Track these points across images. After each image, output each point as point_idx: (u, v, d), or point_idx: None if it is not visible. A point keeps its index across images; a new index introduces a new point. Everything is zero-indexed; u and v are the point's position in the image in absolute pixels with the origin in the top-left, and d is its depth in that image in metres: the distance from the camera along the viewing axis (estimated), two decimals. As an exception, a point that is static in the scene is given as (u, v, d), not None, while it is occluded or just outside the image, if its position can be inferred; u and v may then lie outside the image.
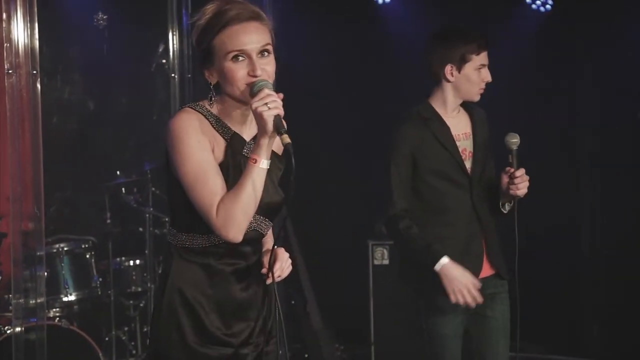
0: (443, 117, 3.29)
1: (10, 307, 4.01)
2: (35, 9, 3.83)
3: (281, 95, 2.23)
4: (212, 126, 2.30)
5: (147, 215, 5.12)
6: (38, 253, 3.85)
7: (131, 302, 5.09)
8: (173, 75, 5.46)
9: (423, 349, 3.28)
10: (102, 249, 4.94)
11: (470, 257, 3.23)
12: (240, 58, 2.24)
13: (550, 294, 5.56)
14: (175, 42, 5.48)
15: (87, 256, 4.78)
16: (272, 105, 2.17)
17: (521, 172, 3.15)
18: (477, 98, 3.29)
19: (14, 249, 3.80)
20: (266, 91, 2.19)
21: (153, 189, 5.12)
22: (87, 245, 4.79)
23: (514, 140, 3.14)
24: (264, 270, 2.35)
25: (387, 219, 3.22)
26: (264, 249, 2.43)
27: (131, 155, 5.56)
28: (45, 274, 4.01)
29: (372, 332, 5.17)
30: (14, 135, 3.74)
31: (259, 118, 2.18)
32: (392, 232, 3.24)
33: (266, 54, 2.27)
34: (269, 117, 2.16)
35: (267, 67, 2.26)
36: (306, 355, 5.17)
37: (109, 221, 5.02)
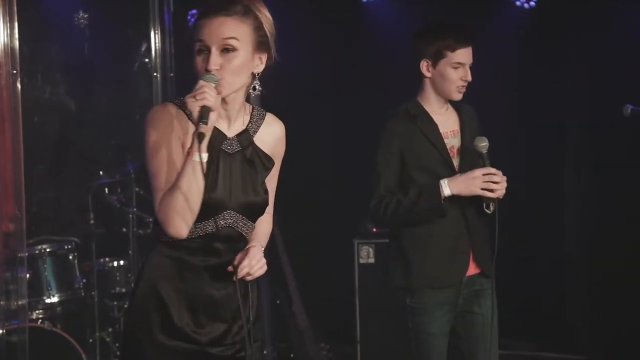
0: (431, 114, 3.29)
1: (-8, 309, 3.99)
2: (15, 8, 3.80)
3: (220, 90, 2.23)
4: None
5: (131, 215, 5.09)
6: (19, 254, 3.82)
7: (115, 303, 5.04)
8: (155, 74, 5.45)
9: (409, 348, 3.28)
10: (85, 250, 4.91)
11: (456, 255, 3.24)
12: (204, 51, 2.26)
13: (538, 291, 5.59)
14: (157, 40, 5.47)
15: (70, 257, 4.75)
16: (199, 96, 2.17)
17: (498, 174, 3.14)
18: (455, 96, 3.29)
19: (-5, 250, 3.78)
20: (200, 82, 2.20)
21: (137, 189, 5.09)
22: (69, 246, 4.76)
23: (483, 144, 3.16)
24: (230, 268, 2.33)
25: (370, 209, 3.22)
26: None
27: (114, 155, 5.53)
28: (28, 275, 3.98)
29: (358, 331, 5.17)
30: (-5, 135, 3.72)
31: (190, 110, 2.19)
32: (380, 216, 3.22)
33: (230, 49, 2.26)
34: (194, 107, 2.17)
35: (227, 63, 2.25)
36: (292, 355, 5.17)
37: (92, 222, 4.95)
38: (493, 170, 3.15)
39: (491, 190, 3.13)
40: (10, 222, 3.79)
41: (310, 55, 5.61)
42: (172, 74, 5.51)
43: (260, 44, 2.32)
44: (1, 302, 3.80)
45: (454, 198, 3.19)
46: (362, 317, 5.15)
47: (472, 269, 3.28)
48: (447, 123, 3.32)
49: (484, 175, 3.13)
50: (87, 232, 4.95)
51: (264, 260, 2.36)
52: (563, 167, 5.71)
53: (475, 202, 3.26)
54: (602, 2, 5.35)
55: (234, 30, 2.25)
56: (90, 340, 4.95)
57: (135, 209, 5.10)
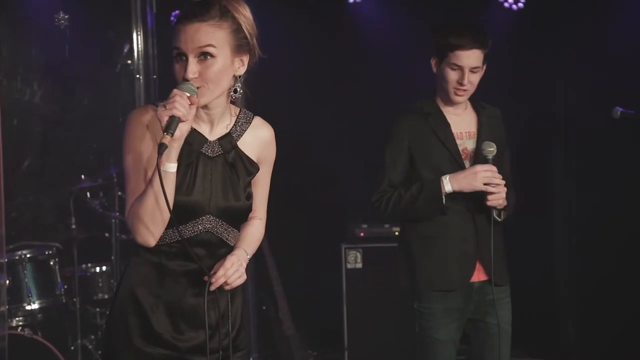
0: (445, 113, 3.26)
1: (-29, 317, 3.97)
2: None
3: (194, 100, 2.20)
4: None
5: (114, 220, 5.07)
6: (-1, 260, 3.81)
7: (97, 309, 5.03)
8: (138, 76, 5.44)
9: (414, 354, 3.25)
10: (66, 256, 4.89)
11: (461, 259, 3.21)
12: (182, 58, 2.24)
13: (528, 296, 5.59)
14: (140, 42, 5.46)
15: (51, 263, 4.72)
16: (169, 106, 2.16)
17: (499, 177, 3.12)
18: (453, 99, 3.25)
19: (-26, 256, 3.75)
20: (174, 91, 2.19)
21: (119, 193, 5.06)
22: (50, 252, 4.73)
23: (490, 149, 3.14)
24: (205, 278, 2.30)
25: (372, 203, 3.21)
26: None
27: (96, 158, 5.50)
28: (7, 281, 3.97)
29: (345, 337, 5.16)
30: (-27, 139, 3.68)
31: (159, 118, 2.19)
32: (381, 210, 3.21)
33: (207, 56, 2.24)
34: (162, 117, 2.16)
35: (205, 70, 2.23)
36: (278, 362, 5.17)
37: (73, 226, 4.94)
38: (494, 169, 3.12)
39: (492, 193, 3.12)
40: (-10, 227, 3.76)
41: (295, 57, 5.59)
42: (155, 76, 5.49)
43: (240, 47, 2.30)
44: (-20, 310, 3.78)
45: (461, 200, 3.16)
46: (350, 323, 5.15)
47: (480, 275, 3.25)
48: (463, 124, 3.28)
49: (485, 171, 3.11)
50: (69, 237, 4.93)
51: (242, 269, 2.33)
52: (553, 168, 5.72)
53: (485, 207, 3.22)
54: (591, 3, 5.37)
55: (211, 37, 2.23)
56: (72, 348, 4.92)
57: (117, 214, 5.07)
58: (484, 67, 3.26)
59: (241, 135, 2.40)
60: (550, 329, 5.69)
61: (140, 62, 5.45)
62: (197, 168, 2.30)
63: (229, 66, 2.28)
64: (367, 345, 5.09)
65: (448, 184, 3.12)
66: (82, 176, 5.13)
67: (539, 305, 5.62)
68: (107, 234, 5.15)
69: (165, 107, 2.16)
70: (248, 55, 2.33)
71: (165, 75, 5.33)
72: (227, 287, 2.31)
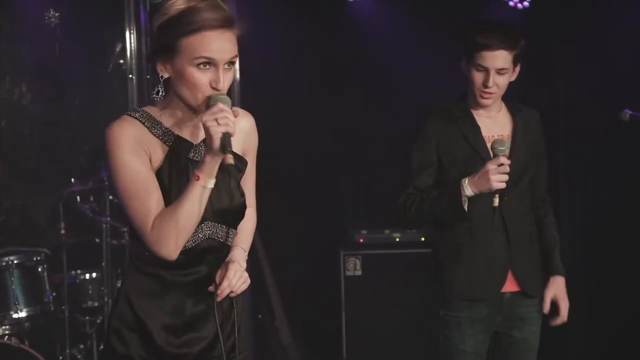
0: (476, 116, 3.19)
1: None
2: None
3: (238, 112, 2.24)
4: (151, 132, 2.27)
5: (104, 225, 5.03)
6: (-16, 267, 3.78)
7: (87, 318, 4.99)
8: (131, 76, 5.39)
9: None
10: (55, 262, 4.86)
11: (492, 268, 3.15)
12: (207, 66, 2.21)
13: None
14: (132, 41, 5.41)
15: (39, 269, 4.70)
16: (222, 121, 2.15)
17: (507, 163, 3.02)
18: (480, 102, 3.17)
19: (-41, 262, 3.72)
20: (220, 106, 2.17)
21: (110, 197, 5.03)
22: (39, 258, 4.71)
23: (501, 147, 3.05)
24: (211, 288, 2.34)
25: (397, 204, 3.17)
26: (227, 259, 2.39)
27: (87, 161, 5.47)
28: (-7, 289, 3.95)
29: (344, 347, 5.14)
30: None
31: (207, 133, 2.17)
32: (404, 213, 3.16)
33: (231, 65, 2.25)
34: (216, 133, 2.15)
35: (228, 79, 2.24)
36: (275, 372, 5.15)
37: (63, 231, 4.90)
38: (502, 160, 3.01)
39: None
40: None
41: (295, 57, 5.57)
42: (148, 76, 5.44)
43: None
44: (-36, 318, 3.75)
45: (492, 206, 3.09)
46: (349, 332, 5.13)
47: (512, 286, 3.19)
48: (495, 127, 3.21)
49: (496, 167, 3.00)
50: (58, 243, 4.90)
51: (245, 274, 2.36)
52: (557, 169, 5.69)
53: (520, 213, 3.17)
54: (597, 2, 5.35)
55: (235, 46, 2.25)
56: (60, 358, 4.91)
57: (108, 218, 5.04)
58: (516, 69, 3.18)
59: None
60: (553, 331, 5.67)
61: (133, 61, 5.40)
62: (188, 176, 2.27)
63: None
64: (366, 355, 5.08)
65: (467, 188, 3.04)
66: (72, 179, 5.11)
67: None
68: (97, 240, 5.10)
69: (217, 122, 2.14)
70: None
71: (151, 64, 5.29)
72: (233, 295, 2.35)
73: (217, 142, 2.15)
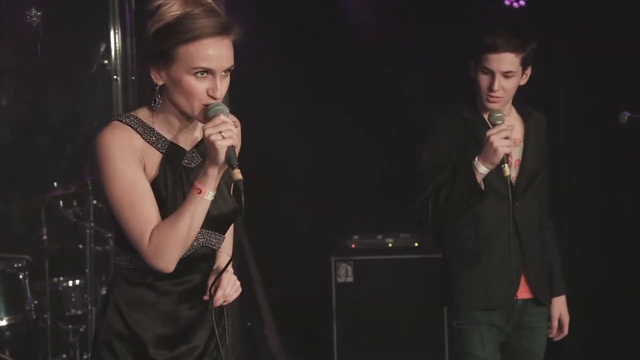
0: (486, 119, 3.15)
1: None
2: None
3: (238, 123, 2.24)
4: (144, 138, 2.24)
5: (88, 230, 5.01)
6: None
7: (70, 326, 4.97)
8: (115, 77, 5.39)
9: None
10: (37, 268, 4.85)
11: (505, 275, 3.12)
12: (204, 74, 2.19)
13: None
14: (117, 41, 5.42)
15: (21, 276, 4.69)
16: (226, 134, 2.14)
17: (494, 129, 2.99)
18: (486, 105, 3.14)
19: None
20: (222, 117, 2.16)
21: (94, 201, 5.01)
22: (20, 264, 4.70)
23: (498, 115, 3.02)
24: (206, 297, 2.33)
25: (414, 211, 3.13)
26: (215, 266, 2.39)
27: (70, 164, 5.44)
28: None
29: (335, 355, 5.11)
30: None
31: (211, 147, 2.14)
32: (423, 216, 3.11)
33: (228, 72, 2.24)
34: (222, 147, 2.13)
35: (224, 87, 2.23)
36: (263, 381, 5.14)
37: (45, 237, 4.89)
38: (501, 126, 2.99)
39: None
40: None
41: (285, 59, 5.56)
42: (133, 77, 5.46)
43: None
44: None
45: (504, 212, 3.08)
46: (340, 340, 5.09)
47: (525, 293, 3.18)
48: None
49: (497, 132, 2.97)
50: (40, 249, 4.88)
51: (238, 283, 2.37)
52: (557, 171, 5.70)
53: (532, 217, 3.15)
54: (595, 1, 5.35)
55: (231, 53, 2.23)
56: (43, 368, 4.88)
57: (92, 224, 5.02)
58: (526, 72, 3.15)
59: None
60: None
61: (118, 62, 5.41)
62: (183, 184, 2.27)
63: None
64: (358, 363, 5.04)
65: (479, 166, 3.01)
66: (55, 184, 5.08)
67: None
68: (80, 246, 5.08)
69: (222, 135, 2.13)
70: None
71: (145, 76, 5.28)
72: (225, 304, 2.36)
73: (222, 156, 2.14)
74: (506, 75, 3.08)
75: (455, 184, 3.08)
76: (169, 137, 2.28)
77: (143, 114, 2.28)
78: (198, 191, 2.17)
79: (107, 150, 2.20)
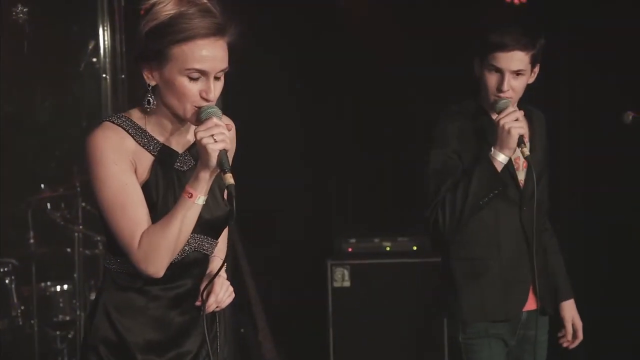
0: (493, 117, 3.10)
1: None
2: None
3: (231, 126, 2.25)
4: (136, 140, 2.24)
5: (76, 234, 5.01)
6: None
7: (58, 332, 5.00)
8: (104, 75, 5.39)
9: None
10: (24, 273, 4.88)
11: (514, 283, 3.09)
12: (198, 76, 2.19)
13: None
14: (106, 38, 5.41)
15: (7, 281, 4.73)
16: (218, 137, 2.13)
17: (504, 113, 2.97)
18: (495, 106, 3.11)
19: None
20: (214, 120, 2.15)
21: (83, 204, 5.02)
22: (6, 269, 4.74)
23: (504, 100, 2.99)
24: (198, 303, 2.33)
25: (426, 218, 3.07)
26: (208, 270, 2.39)
27: (57, 165, 5.46)
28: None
29: (331, 361, 5.13)
30: None
31: (203, 150, 2.14)
32: (442, 219, 3.05)
33: (222, 74, 2.23)
34: (214, 151, 2.13)
35: (218, 89, 2.22)
36: (257, 389, 5.14)
37: (32, 241, 4.93)
38: (509, 110, 2.96)
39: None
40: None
41: (281, 62, 5.56)
42: (123, 76, 5.46)
43: None
44: None
45: (513, 216, 3.06)
46: (336, 346, 5.08)
47: (531, 303, 3.14)
48: None
49: (507, 116, 2.95)
50: (27, 253, 4.90)
51: (231, 288, 2.37)
52: (559, 172, 5.71)
53: (537, 220, 3.10)
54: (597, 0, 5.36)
55: (227, 54, 2.22)
56: (29, 375, 4.89)
57: (81, 227, 5.01)
58: (534, 70, 3.10)
59: None
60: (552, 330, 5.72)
61: (107, 60, 5.41)
62: (175, 188, 2.27)
63: None
64: (355, 370, 5.03)
65: (497, 154, 2.98)
66: (42, 185, 5.11)
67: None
68: (69, 250, 5.09)
69: (214, 139, 2.12)
70: None
71: (134, 74, 5.28)
72: (218, 309, 2.37)
73: (214, 160, 2.13)
74: (516, 74, 3.03)
75: (472, 180, 3.01)
76: (161, 139, 2.27)
77: (135, 115, 2.27)
78: (189, 195, 2.16)
79: (98, 152, 2.19)
